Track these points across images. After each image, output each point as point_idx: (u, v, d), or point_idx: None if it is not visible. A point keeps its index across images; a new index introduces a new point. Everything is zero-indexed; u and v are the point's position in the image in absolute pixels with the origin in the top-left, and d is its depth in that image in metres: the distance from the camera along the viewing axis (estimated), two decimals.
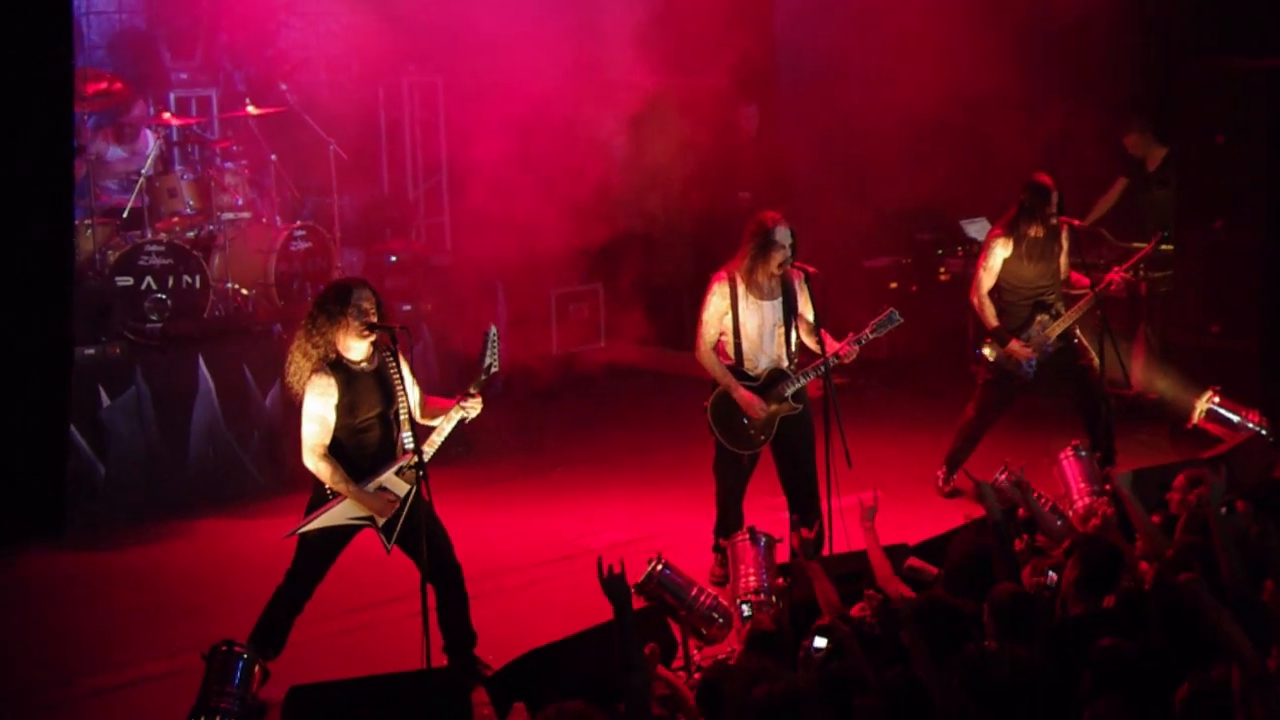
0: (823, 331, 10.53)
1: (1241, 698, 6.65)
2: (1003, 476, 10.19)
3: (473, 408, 9.17)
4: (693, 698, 7.79)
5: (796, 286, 10.57)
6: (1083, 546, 8.28)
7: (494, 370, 9.17)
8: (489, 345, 9.13)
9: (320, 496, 9.09)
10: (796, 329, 10.60)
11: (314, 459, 8.96)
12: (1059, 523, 10.02)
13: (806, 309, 10.58)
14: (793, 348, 10.62)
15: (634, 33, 15.22)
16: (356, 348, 9.03)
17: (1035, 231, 12.02)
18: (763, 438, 10.68)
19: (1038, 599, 8.08)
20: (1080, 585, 8.07)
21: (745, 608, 9.24)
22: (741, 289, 10.52)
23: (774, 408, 10.60)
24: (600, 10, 15.53)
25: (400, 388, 9.09)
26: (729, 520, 10.72)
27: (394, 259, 15.55)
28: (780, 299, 10.58)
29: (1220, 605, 7.08)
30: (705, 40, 15.64)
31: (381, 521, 9.06)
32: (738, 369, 10.61)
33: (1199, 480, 9.05)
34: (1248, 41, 14.05)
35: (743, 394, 10.55)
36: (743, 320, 10.55)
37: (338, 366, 8.98)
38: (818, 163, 16.24)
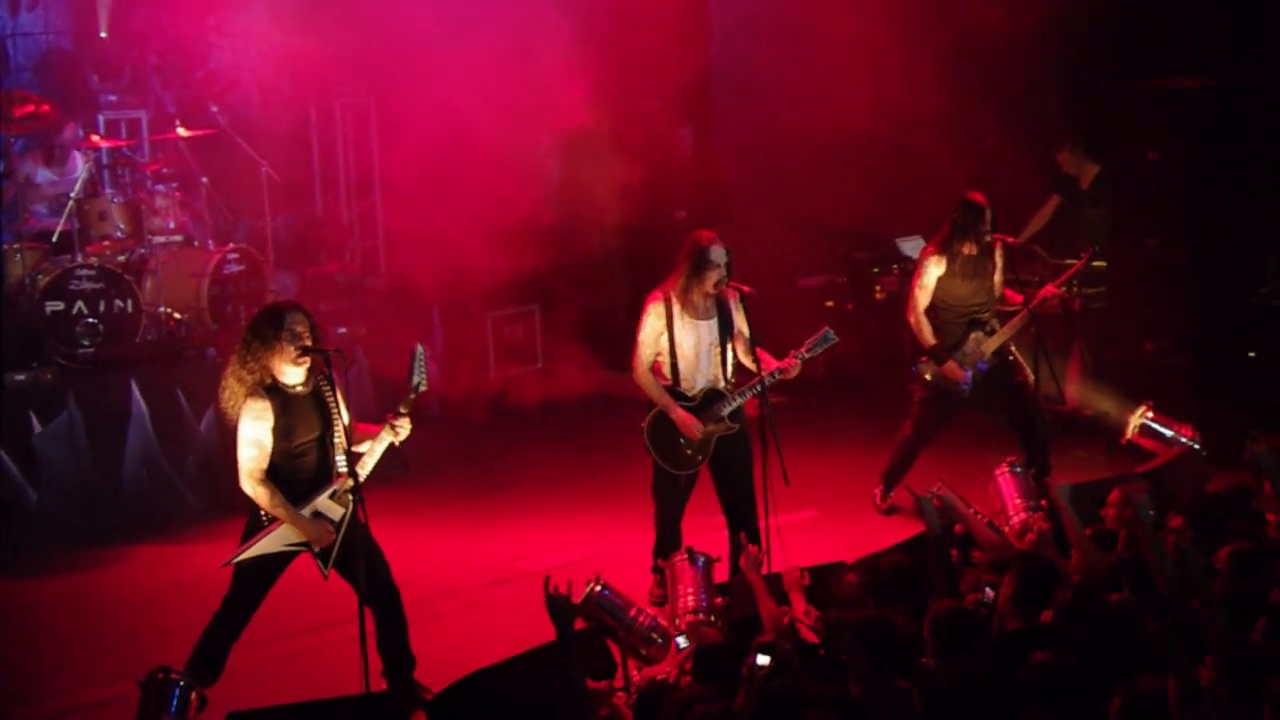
0: (759, 350, 10.53)
1: (1178, 709, 6.70)
2: (939, 493, 10.22)
3: (402, 429, 9.11)
4: (631, 717, 7.77)
5: (732, 306, 10.56)
6: (1019, 562, 8.32)
7: (422, 389, 9.12)
8: (416, 364, 9.09)
9: (256, 523, 9.02)
10: (734, 348, 10.59)
11: (251, 483, 8.90)
12: (995, 538, 10.06)
13: (744, 328, 10.57)
14: (729, 367, 10.61)
15: (568, 55, 15.22)
16: (291, 372, 8.97)
17: (969, 249, 12.07)
18: (700, 458, 10.66)
19: (976, 615, 8.10)
20: (1017, 600, 8.11)
21: (681, 640, 9.22)
22: (677, 309, 10.50)
23: (711, 427, 10.59)
24: (534, 33, 15.52)
25: (336, 411, 9.04)
26: (667, 541, 10.70)
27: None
28: (716, 318, 10.56)
29: (1156, 621, 7.14)
30: (640, 61, 15.67)
31: (318, 546, 9.00)
32: (674, 389, 10.59)
33: (1135, 496, 9.09)
34: (1180, 61, 14.16)
35: (680, 414, 10.53)
36: (679, 340, 10.53)
37: (273, 390, 8.92)
38: (753, 182, 16.28)
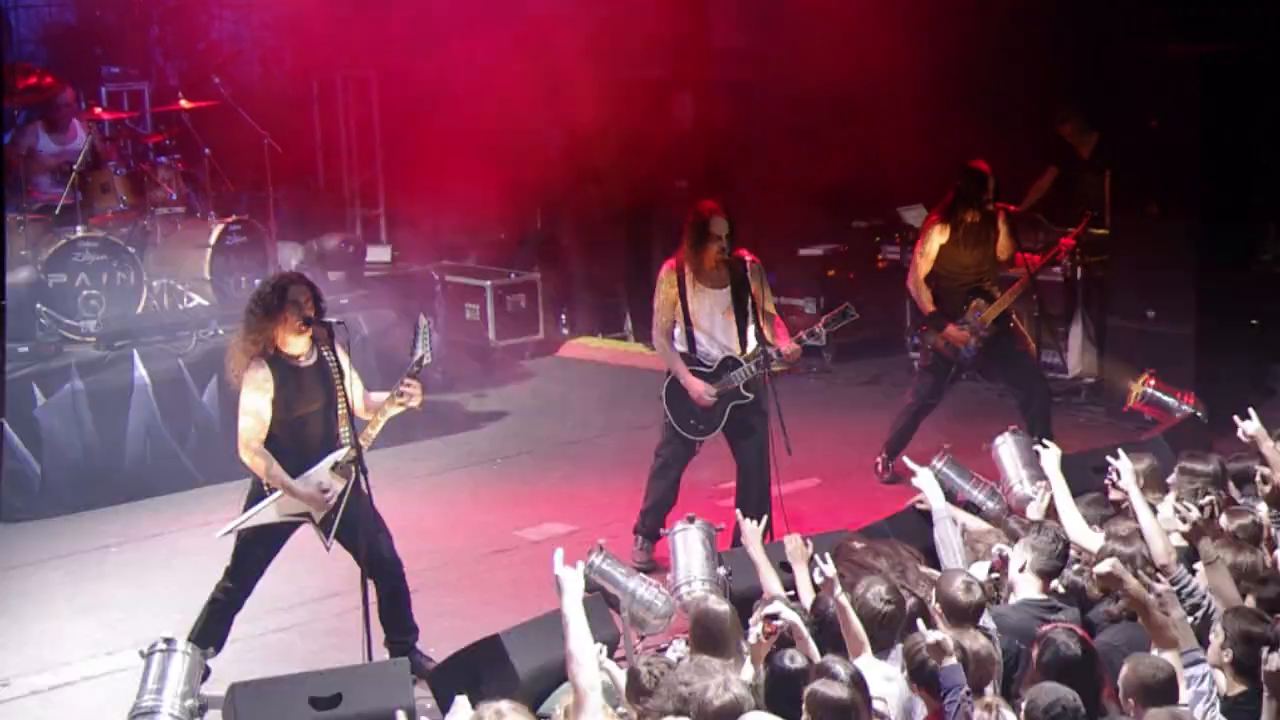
0: (776, 319, 10.57)
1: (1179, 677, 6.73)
2: (941, 462, 10.24)
3: (413, 395, 9.11)
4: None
5: (748, 273, 10.58)
6: (1031, 533, 8.30)
7: (426, 361, 9.13)
8: (420, 336, 9.10)
9: (258, 493, 9.05)
10: (750, 318, 10.61)
11: (248, 453, 8.93)
12: (996, 506, 10.08)
13: (758, 296, 10.60)
14: (745, 336, 10.64)
15: (568, 23, 15.21)
16: (295, 343, 8.99)
17: (971, 217, 12.08)
18: (715, 424, 10.71)
19: (984, 586, 8.09)
20: (1025, 573, 8.10)
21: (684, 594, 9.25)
22: (690, 276, 10.58)
23: (723, 395, 10.63)
24: (533, 1, 15.51)
25: (340, 383, 9.05)
26: (660, 504, 10.77)
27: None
28: (729, 287, 10.60)
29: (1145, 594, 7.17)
30: (640, 29, 15.64)
31: (319, 517, 9.02)
32: (689, 356, 10.64)
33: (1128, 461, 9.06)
34: (1181, 26, 14.12)
35: (692, 382, 10.59)
36: (692, 308, 10.61)
37: (276, 361, 8.94)
38: (753, 151, 16.25)
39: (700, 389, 10.59)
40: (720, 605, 7.80)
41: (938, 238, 12.19)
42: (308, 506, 8.99)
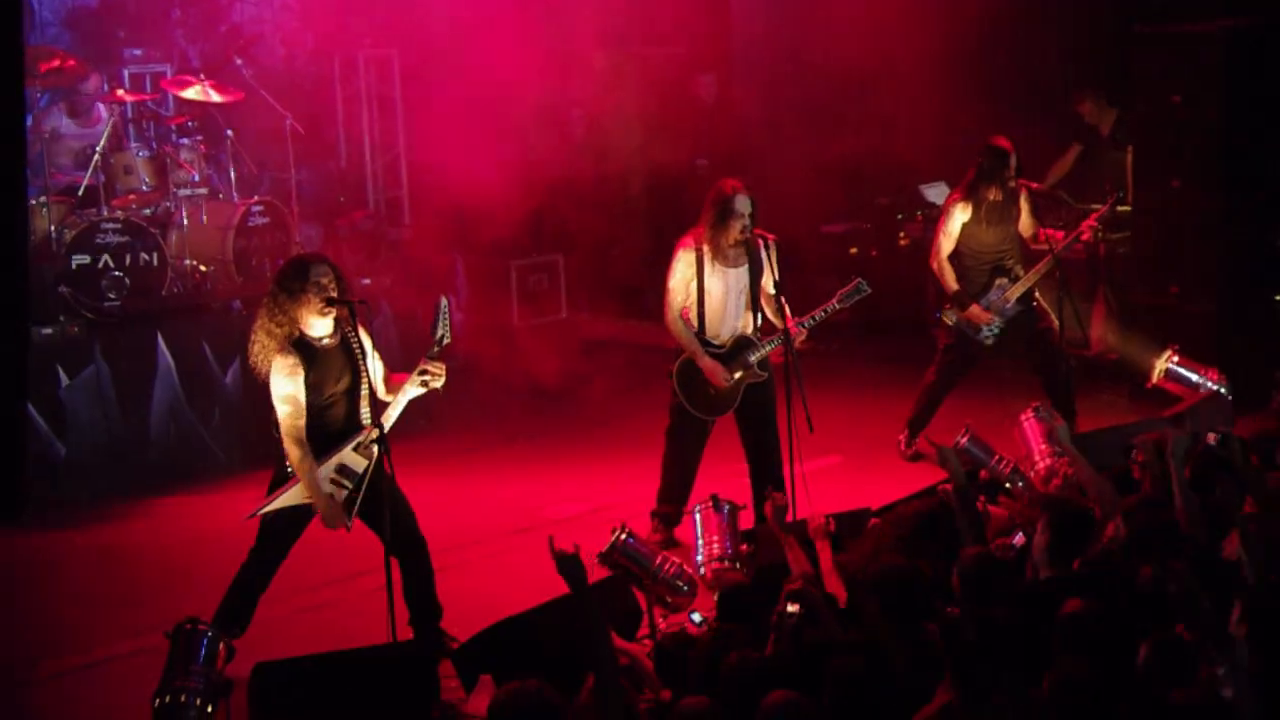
0: (783, 300, 10.52)
1: (1203, 654, 6.71)
2: (963, 439, 10.23)
3: (436, 375, 9.11)
4: (650, 666, 7.82)
5: (764, 254, 10.55)
6: (1053, 511, 8.27)
7: (446, 341, 9.12)
8: (440, 316, 9.08)
9: (282, 475, 9.06)
10: (767, 297, 10.59)
11: (290, 442, 8.88)
12: (1020, 484, 10.07)
13: (768, 279, 10.57)
14: (758, 315, 10.63)
15: (590, 2, 15.20)
16: (318, 324, 8.98)
17: (994, 195, 12.06)
18: (727, 404, 10.70)
19: (1005, 563, 8.09)
20: (1051, 550, 8.08)
21: (709, 574, 9.26)
22: (708, 256, 10.51)
23: (739, 375, 10.61)
24: None
25: (363, 362, 9.07)
26: (676, 487, 10.76)
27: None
28: (746, 266, 10.57)
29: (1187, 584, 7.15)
30: (662, 9, 15.64)
31: (341, 498, 9.03)
32: (702, 336, 10.61)
33: (1166, 435, 9.05)
34: (1203, 2, 14.07)
35: (707, 362, 10.56)
36: (708, 288, 10.55)
37: (301, 344, 8.92)
38: (775, 130, 16.23)
39: (718, 368, 10.56)
40: (744, 581, 7.82)
41: (960, 216, 12.17)
42: (315, 507, 8.97)
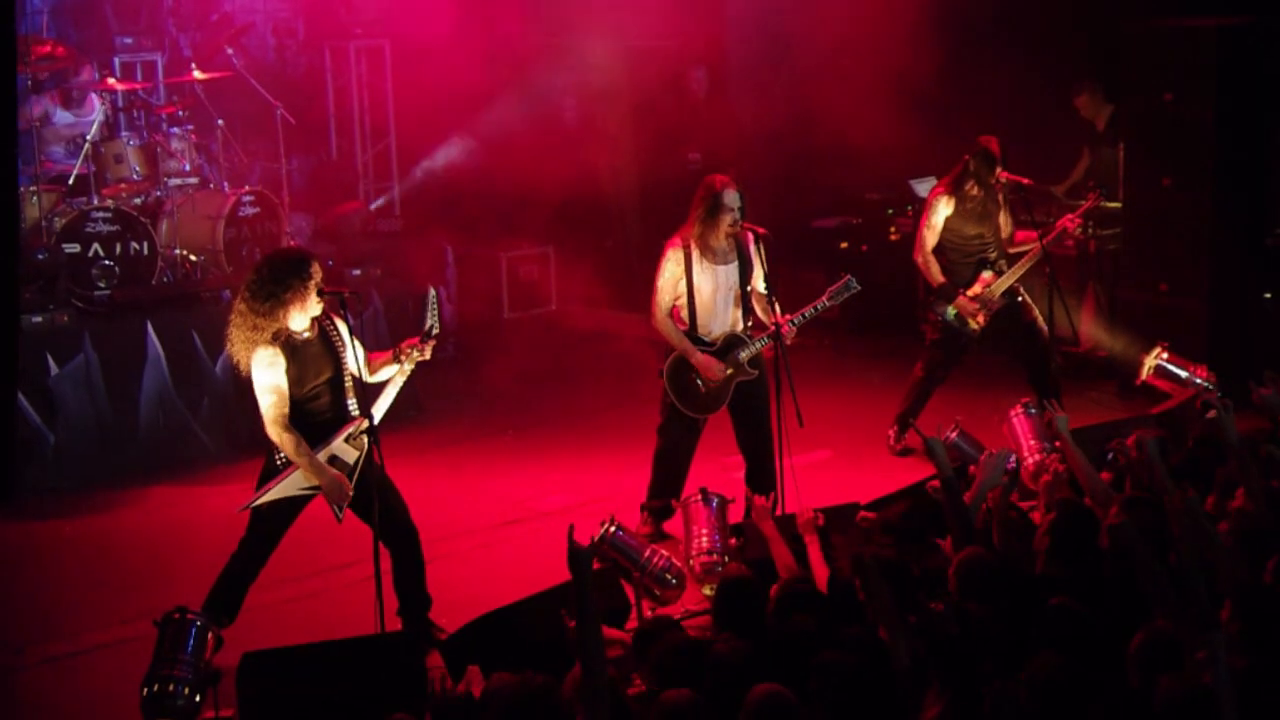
0: (773, 298, 10.51)
1: (1189, 651, 6.71)
2: (952, 434, 10.23)
3: (422, 352, 9.12)
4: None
5: (752, 249, 10.55)
6: (1055, 514, 8.24)
7: (435, 332, 9.13)
8: (429, 307, 9.09)
9: (272, 467, 9.05)
10: (756, 293, 10.59)
11: (276, 430, 8.87)
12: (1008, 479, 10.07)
13: (759, 275, 10.56)
14: (748, 311, 10.62)
15: None
16: (298, 319, 8.95)
17: (977, 190, 12.07)
18: (719, 401, 10.69)
19: (1005, 561, 8.05)
20: (1054, 552, 8.06)
21: (697, 567, 9.26)
22: (696, 254, 10.49)
23: (730, 372, 10.61)
24: None
25: (344, 352, 9.04)
26: (667, 483, 10.75)
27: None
28: (735, 262, 10.56)
29: (1150, 553, 7.15)
30: (655, 3, 15.63)
31: (336, 505, 9.00)
32: (693, 334, 10.60)
33: (1146, 438, 9.06)
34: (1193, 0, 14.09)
35: (701, 358, 10.53)
36: (697, 285, 10.53)
37: (278, 339, 8.89)
38: (766, 124, 16.22)
39: (712, 364, 10.55)
40: (740, 574, 7.82)
41: (944, 209, 12.18)
42: (322, 487, 8.96)
